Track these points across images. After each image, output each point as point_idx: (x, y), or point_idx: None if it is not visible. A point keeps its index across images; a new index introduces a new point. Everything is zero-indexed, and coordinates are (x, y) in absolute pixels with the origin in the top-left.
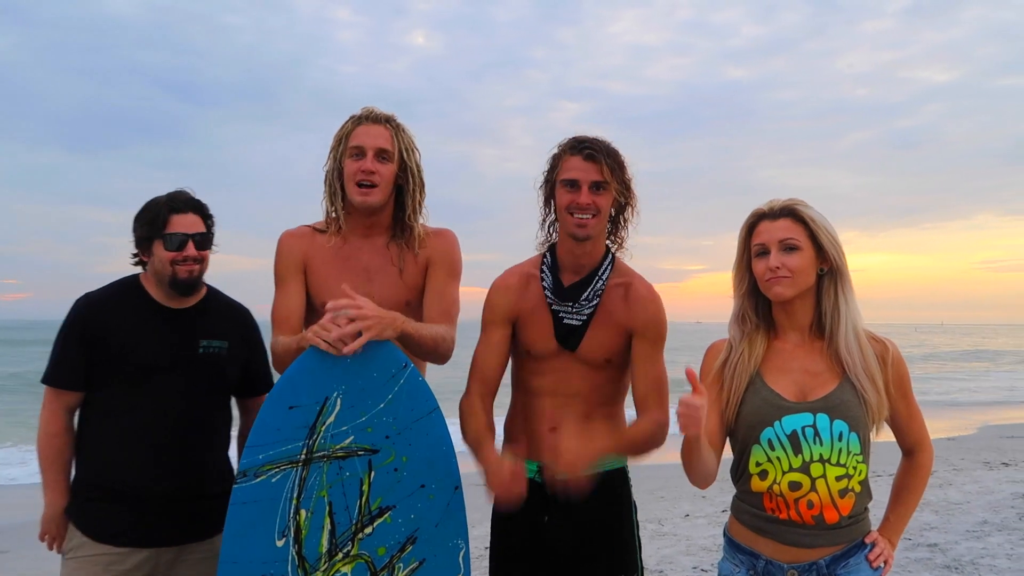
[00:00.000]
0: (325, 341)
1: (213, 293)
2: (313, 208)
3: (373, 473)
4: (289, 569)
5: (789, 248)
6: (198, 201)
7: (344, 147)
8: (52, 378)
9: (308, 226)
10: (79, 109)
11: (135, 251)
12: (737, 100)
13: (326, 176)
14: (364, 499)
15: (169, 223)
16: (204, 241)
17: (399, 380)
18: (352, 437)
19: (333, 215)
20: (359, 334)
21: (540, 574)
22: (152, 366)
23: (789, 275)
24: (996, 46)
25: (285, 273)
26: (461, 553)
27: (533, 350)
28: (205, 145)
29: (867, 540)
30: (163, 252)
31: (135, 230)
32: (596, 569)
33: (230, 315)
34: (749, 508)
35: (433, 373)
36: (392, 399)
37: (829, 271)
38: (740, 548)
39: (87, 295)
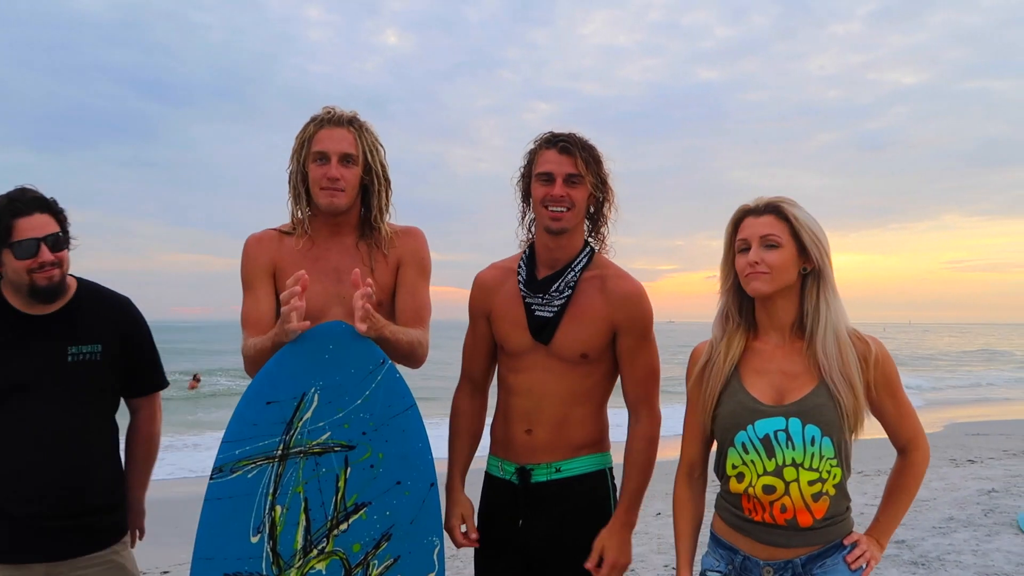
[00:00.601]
0: (291, 325)
1: (85, 290)
2: (281, 208)
3: (349, 469)
4: (263, 566)
5: (769, 245)
6: (44, 198)
7: (307, 151)
8: None
9: (274, 229)
10: (47, 108)
11: None
12: (708, 101)
13: (290, 178)
14: (340, 495)
15: (15, 229)
16: (59, 242)
17: (376, 376)
18: (329, 433)
19: (299, 217)
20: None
21: (518, 574)
22: (18, 382)
23: (767, 271)
24: (962, 50)
25: (253, 278)
26: (436, 550)
27: (507, 345)
28: (176, 144)
29: (846, 541)
30: (15, 262)
31: None
32: (571, 573)
33: (105, 314)
34: (729, 506)
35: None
36: (369, 395)
37: (812, 271)
38: (720, 543)
39: None
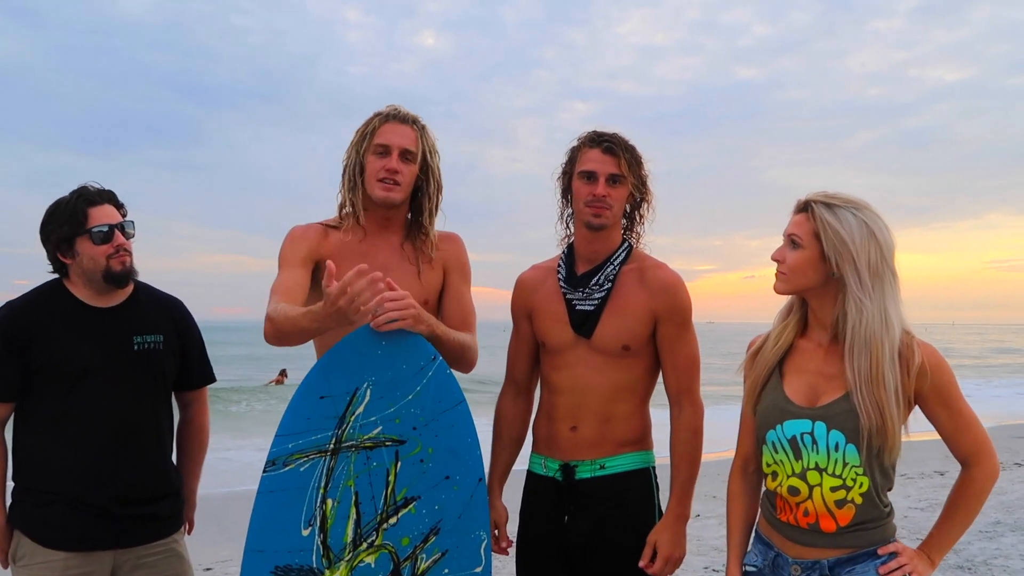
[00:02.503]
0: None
1: (141, 287)
2: (320, 209)
3: (399, 464)
4: (314, 558)
5: (792, 244)
6: (109, 191)
7: (368, 143)
8: None
9: (319, 223)
10: (90, 111)
11: (55, 255)
12: (746, 100)
13: (345, 169)
14: (390, 489)
15: (89, 217)
16: (126, 230)
17: (427, 372)
18: (380, 428)
19: (350, 209)
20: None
21: (560, 573)
22: (86, 369)
23: (785, 272)
24: (1006, 45)
25: (292, 258)
26: (483, 545)
27: (548, 341)
28: (215, 147)
29: (882, 551)
30: (92, 248)
31: (51, 234)
32: (614, 571)
33: (162, 307)
34: (767, 502)
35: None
36: (420, 391)
37: (842, 276)
38: (760, 537)
39: (9, 303)
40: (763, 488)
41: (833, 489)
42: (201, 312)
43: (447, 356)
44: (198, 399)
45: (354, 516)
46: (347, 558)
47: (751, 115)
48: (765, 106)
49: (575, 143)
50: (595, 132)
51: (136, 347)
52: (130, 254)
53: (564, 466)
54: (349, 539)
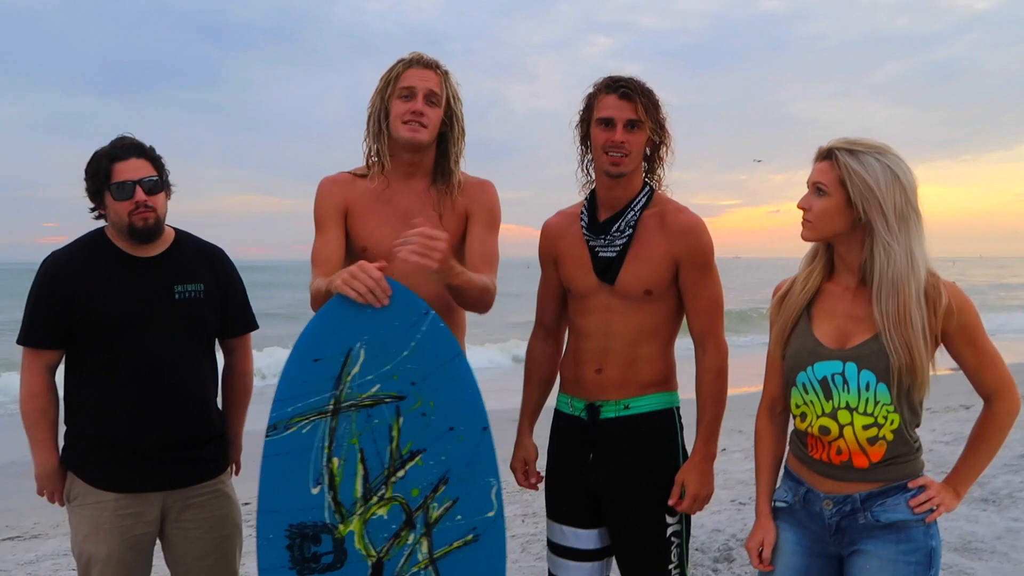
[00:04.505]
0: (354, 291)
1: (183, 236)
2: (340, 149)
3: (401, 419)
4: (326, 514)
5: (818, 191)
6: (141, 144)
7: (393, 88)
8: (28, 338)
9: (347, 172)
10: (111, 54)
11: (91, 206)
12: (771, 32)
13: (370, 115)
14: (394, 444)
15: (113, 172)
16: (155, 186)
17: (420, 327)
18: (378, 385)
19: (375, 157)
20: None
21: (584, 512)
22: (128, 318)
23: (812, 219)
24: None
25: (324, 218)
26: (493, 490)
27: (573, 287)
28: (235, 87)
29: (912, 484)
30: (114, 203)
31: (86, 186)
32: (640, 510)
33: (203, 256)
34: (797, 441)
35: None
36: (415, 346)
37: (869, 221)
38: (790, 474)
39: (54, 253)
40: (791, 428)
41: (865, 427)
42: (228, 253)
43: (465, 300)
44: (241, 346)
45: (362, 472)
46: (359, 512)
47: (775, 47)
48: (789, 38)
49: (591, 89)
50: (611, 77)
51: (177, 296)
52: (154, 210)
53: (589, 406)
54: (359, 494)
